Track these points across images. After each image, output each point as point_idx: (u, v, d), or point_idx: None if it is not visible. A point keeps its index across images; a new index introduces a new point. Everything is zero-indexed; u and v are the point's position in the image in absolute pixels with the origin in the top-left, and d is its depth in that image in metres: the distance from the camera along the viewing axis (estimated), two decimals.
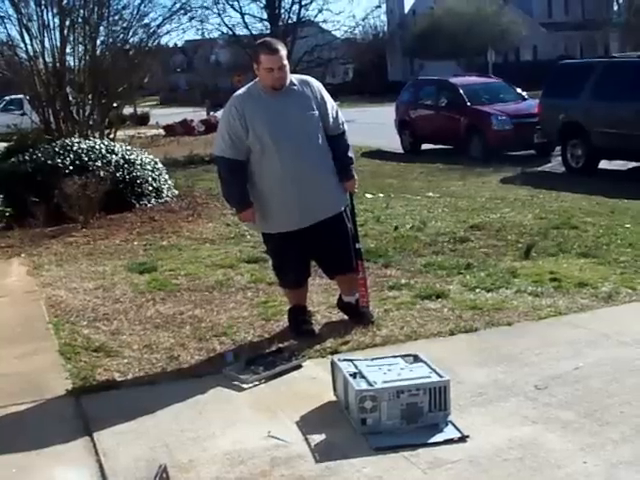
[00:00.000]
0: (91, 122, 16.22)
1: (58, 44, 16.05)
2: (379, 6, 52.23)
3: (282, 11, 33.24)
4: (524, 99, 22.13)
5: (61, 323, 7.19)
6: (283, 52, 6.11)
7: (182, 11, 18.81)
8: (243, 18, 33.83)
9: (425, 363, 5.00)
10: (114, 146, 14.21)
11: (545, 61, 46.24)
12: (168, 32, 20.50)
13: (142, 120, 39.68)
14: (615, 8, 64.07)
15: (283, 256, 6.63)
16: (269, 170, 6.19)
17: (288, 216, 6.30)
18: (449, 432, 4.62)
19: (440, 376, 4.79)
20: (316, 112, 6.26)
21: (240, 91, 6.35)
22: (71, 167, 12.95)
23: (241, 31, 34.17)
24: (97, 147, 13.80)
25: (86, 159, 13.31)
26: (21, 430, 5.09)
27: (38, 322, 7.32)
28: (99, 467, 4.53)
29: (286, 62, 6.14)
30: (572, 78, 17.40)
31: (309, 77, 6.51)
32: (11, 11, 16.57)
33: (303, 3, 33.06)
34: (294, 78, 6.29)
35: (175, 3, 18.71)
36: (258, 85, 6.23)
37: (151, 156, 14.96)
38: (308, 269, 6.75)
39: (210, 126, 33.55)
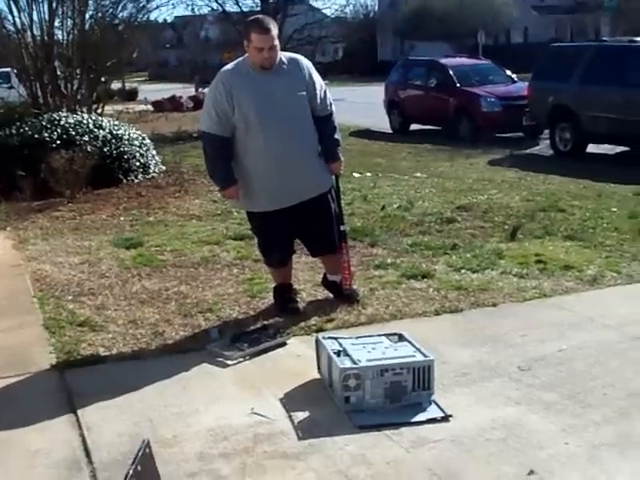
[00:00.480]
0: (79, 96, 16.12)
1: (47, 17, 15.93)
2: None
3: None
4: (514, 81, 22.12)
5: (46, 297, 7.18)
6: (274, 32, 6.06)
7: None
8: None
9: (409, 342, 5.01)
10: (102, 121, 14.13)
11: (536, 44, 46.06)
12: (158, 7, 20.56)
13: (130, 95, 39.43)
14: None
15: (267, 235, 6.63)
16: (253, 149, 6.16)
17: (271, 195, 6.28)
18: (432, 411, 4.64)
19: (424, 355, 4.80)
20: (304, 92, 6.22)
21: (228, 66, 6.29)
22: (58, 141, 12.89)
23: (231, 7, 33.89)
24: (85, 122, 13.73)
25: (73, 133, 13.25)
26: (5, 403, 5.09)
27: (23, 296, 7.31)
28: (82, 441, 4.53)
29: (277, 42, 6.09)
30: (562, 61, 17.39)
31: (299, 56, 6.47)
32: None
33: None
34: (284, 56, 6.25)
35: None
36: (247, 61, 6.19)
37: (139, 132, 14.90)
38: (292, 248, 6.74)
39: (199, 102, 33.35)
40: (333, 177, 6.57)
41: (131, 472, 3.40)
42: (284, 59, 6.22)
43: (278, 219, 6.34)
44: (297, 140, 6.20)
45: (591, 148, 16.96)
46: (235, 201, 6.61)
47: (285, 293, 6.69)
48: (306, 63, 6.33)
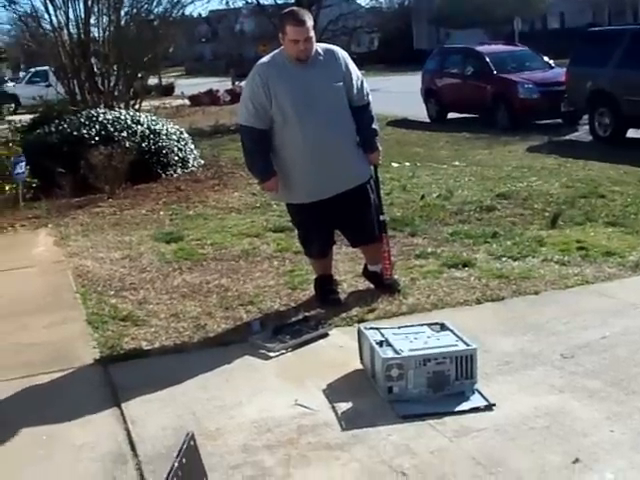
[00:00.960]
0: (116, 93, 16.24)
1: (82, 15, 16.07)
2: None
3: None
4: (551, 67, 21.91)
5: (88, 293, 7.24)
6: (310, 23, 6.05)
7: None
8: None
9: (452, 331, 4.99)
10: (139, 116, 14.22)
11: (573, 29, 45.72)
12: (192, 2, 20.52)
13: (167, 90, 39.66)
14: None
15: (307, 226, 6.64)
16: (291, 141, 6.16)
17: (310, 187, 6.28)
18: (475, 400, 4.62)
19: (467, 344, 4.78)
20: (341, 83, 6.21)
21: (264, 59, 6.29)
22: (97, 138, 12.99)
23: (266, 0, 34.06)
24: (122, 118, 13.82)
25: (112, 130, 13.35)
26: (51, 398, 5.14)
27: (66, 292, 7.37)
28: (127, 435, 4.56)
29: (312, 34, 6.08)
30: (600, 46, 17.18)
31: (335, 46, 6.45)
32: None
33: None
34: (320, 48, 6.24)
35: None
36: (283, 54, 6.18)
37: (176, 126, 14.98)
38: (332, 239, 6.74)
39: (235, 96, 33.45)
40: (372, 167, 6.55)
41: (176, 465, 3.41)
42: (320, 50, 6.21)
43: (318, 210, 6.33)
44: (335, 131, 6.18)
45: (631, 133, 16.76)
46: (274, 193, 6.62)
47: (326, 284, 6.69)
48: (342, 54, 6.31)
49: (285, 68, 6.12)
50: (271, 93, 6.03)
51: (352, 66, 6.32)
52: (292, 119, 6.07)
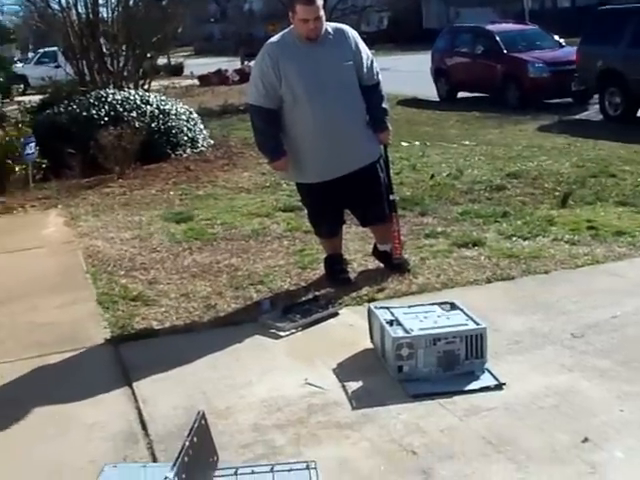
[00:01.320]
0: (125, 73, 16.20)
1: None
2: None
3: None
4: (561, 46, 21.86)
5: (99, 273, 7.25)
6: (320, 2, 6.02)
7: None
8: None
9: (462, 311, 4.99)
10: (149, 97, 14.21)
11: (583, 7, 45.36)
12: None
13: (176, 70, 39.63)
14: None
15: (316, 206, 6.65)
16: (301, 120, 6.16)
17: (320, 166, 6.27)
18: (485, 380, 4.63)
19: (477, 324, 4.78)
20: (351, 62, 6.19)
21: (274, 38, 6.29)
22: (106, 118, 12.99)
23: None
24: (132, 98, 13.81)
25: (121, 110, 13.34)
26: (62, 378, 5.16)
27: (76, 272, 7.39)
28: (138, 414, 4.58)
29: (322, 13, 6.06)
30: (611, 25, 17.11)
31: (345, 25, 6.43)
32: None
33: None
34: (329, 27, 6.22)
35: None
36: (293, 33, 6.17)
37: (186, 106, 14.97)
38: (342, 218, 6.75)
39: (244, 75, 33.37)
40: (381, 147, 6.55)
41: (187, 443, 3.43)
42: (330, 29, 6.19)
43: (327, 190, 6.33)
44: (345, 110, 6.17)
45: None
46: (284, 173, 6.63)
47: (336, 264, 6.69)
48: (352, 33, 6.30)
49: (295, 47, 6.11)
50: (281, 73, 6.03)
51: (362, 45, 6.30)
52: (302, 98, 6.06)
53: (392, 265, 6.65)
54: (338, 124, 6.14)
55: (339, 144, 6.17)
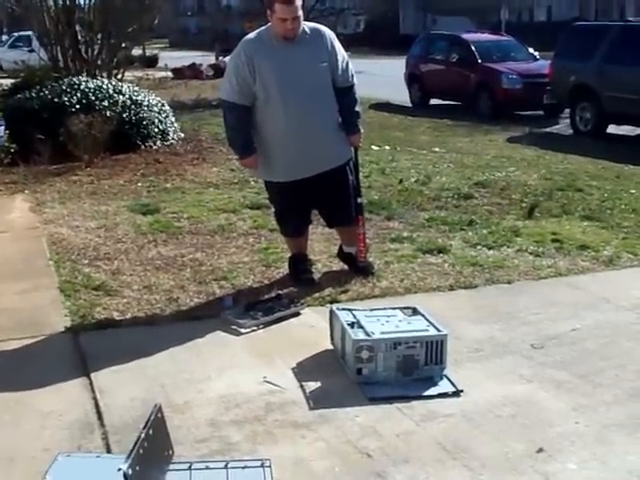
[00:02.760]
0: (99, 62, 16.08)
1: None
2: None
3: None
4: (535, 59, 21.98)
5: (62, 261, 7.21)
6: (298, 2, 6.00)
7: None
8: None
9: (423, 316, 5.01)
10: (121, 86, 14.12)
11: (559, 22, 45.70)
12: None
13: (150, 62, 39.40)
14: None
15: (284, 204, 6.64)
16: (273, 119, 6.15)
17: (290, 166, 6.27)
18: (444, 386, 4.65)
19: (438, 330, 4.80)
20: (326, 63, 6.19)
21: (250, 35, 6.27)
22: (77, 106, 12.88)
23: None
24: (104, 87, 13.72)
25: (93, 98, 13.25)
26: (19, 364, 5.12)
27: (39, 259, 7.34)
28: (95, 404, 4.56)
29: (300, 13, 6.05)
30: (585, 40, 17.22)
31: (322, 26, 6.41)
32: None
33: None
34: (307, 27, 6.21)
35: None
36: (270, 31, 6.15)
37: (158, 98, 14.89)
38: (308, 218, 6.76)
39: (219, 71, 33.31)
40: (352, 149, 6.55)
41: (143, 436, 3.42)
42: (307, 29, 6.19)
43: (296, 189, 6.33)
44: (317, 111, 6.17)
45: (611, 129, 16.83)
46: (254, 170, 6.63)
47: (300, 263, 6.70)
48: (329, 33, 6.29)
49: (271, 46, 6.11)
50: (255, 70, 6.01)
51: (338, 46, 6.30)
52: (274, 97, 6.06)
53: (357, 268, 6.67)
54: (309, 124, 6.13)
55: (309, 144, 6.18)
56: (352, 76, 6.40)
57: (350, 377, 4.73)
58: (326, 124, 6.27)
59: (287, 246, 6.94)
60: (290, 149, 6.19)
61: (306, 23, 6.25)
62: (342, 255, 6.87)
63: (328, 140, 6.29)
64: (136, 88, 14.62)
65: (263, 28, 6.26)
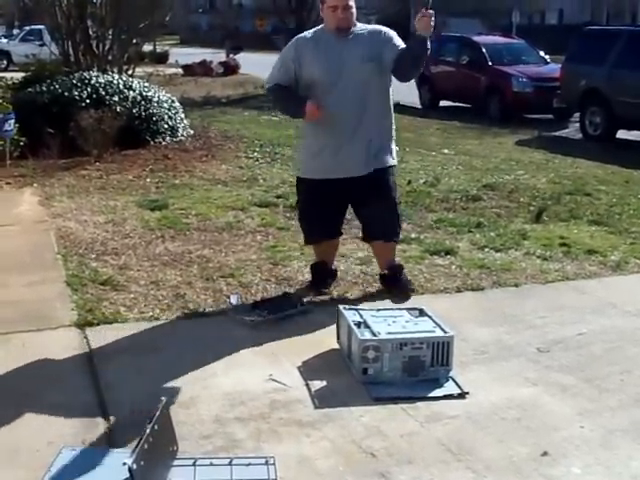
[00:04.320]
0: (110, 57, 16.11)
1: None
2: None
3: None
4: (546, 62, 21.94)
5: (70, 254, 7.22)
6: None
7: None
8: None
9: (430, 317, 5.01)
10: (132, 82, 14.14)
11: (570, 26, 45.66)
12: None
13: (161, 58, 39.48)
14: None
15: (307, 203, 6.33)
16: None
17: (321, 163, 6.05)
18: (449, 388, 4.65)
19: (444, 331, 4.81)
20: (373, 62, 5.92)
21: (306, 33, 6.19)
22: (88, 100, 12.90)
23: None
24: (115, 82, 13.74)
25: (103, 93, 13.27)
26: (25, 357, 5.12)
27: (47, 252, 7.35)
28: (100, 398, 4.56)
29: (352, 3, 5.92)
30: (596, 45, 17.20)
31: (382, 26, 6.24)
32: None
33: None
34: (367, 27, 6.11)
35: None
36: (324, 28, 6.04)
37: (168, 94, 14.92)
38: (334, 227, 6.38)
39: (229, 68, 33.44)
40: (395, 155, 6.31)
41: (148, 431, 3.43)
42: (367, 28, 6.08)
43: (324, 191, 6.07)
44: (360, 110, 5.94)
45: (621, 134, 16.82)
46: (295, 164, 6.45)
47: (317, 273, 6.45)
48: (387, 31, 6.11)
49: (322, 40, 5.98)
50: (301, 65, 5.93)
51: (398, 41, 6.06)
52: (316, 91, 5.93)
53: (397, 287, 6.28)
54: (350, 123, 5.94)
55: (345, 144, 5.96)
56: None
57: (356, 377, 4.73)
58: (366, 125, 5.98)
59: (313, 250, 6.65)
60: (324, 147, 6.02)
61: (368, 25, 6.19)
62: (386, 280, 6.39)
63: (366, 142, 5.99)
64: (146, 84, 14.65)
65: (319, 27, 6.16)
